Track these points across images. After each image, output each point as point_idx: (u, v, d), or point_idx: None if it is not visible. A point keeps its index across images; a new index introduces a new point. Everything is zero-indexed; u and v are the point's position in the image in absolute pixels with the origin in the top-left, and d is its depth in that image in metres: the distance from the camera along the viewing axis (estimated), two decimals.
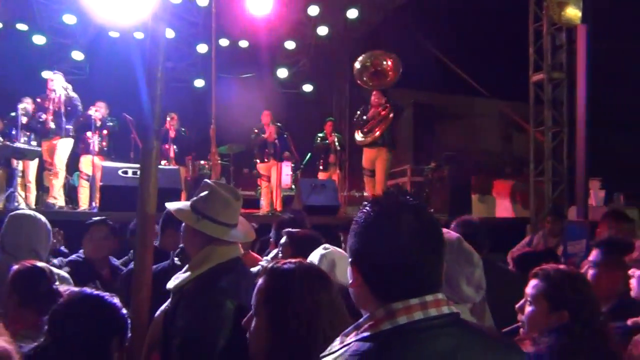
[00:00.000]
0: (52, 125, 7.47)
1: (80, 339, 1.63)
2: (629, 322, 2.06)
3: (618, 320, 2.15)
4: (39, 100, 7.64)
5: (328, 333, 1.48)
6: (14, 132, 7.47)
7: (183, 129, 8.86)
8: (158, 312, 2.35)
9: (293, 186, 9.68)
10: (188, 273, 2.12)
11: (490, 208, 10.05)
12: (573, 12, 7.55)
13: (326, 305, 1.53)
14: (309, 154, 10.27)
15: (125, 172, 6.39)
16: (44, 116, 7.47)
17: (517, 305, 2.03)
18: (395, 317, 1.08)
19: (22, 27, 10.42)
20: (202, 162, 9.32)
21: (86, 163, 8.01)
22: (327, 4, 10.84)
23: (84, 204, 7.91)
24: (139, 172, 6.25)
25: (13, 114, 7.58)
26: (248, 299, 2.02)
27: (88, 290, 1.82)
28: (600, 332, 1.91)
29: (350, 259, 1.17)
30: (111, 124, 8.22)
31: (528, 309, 1.98)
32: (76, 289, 1.90)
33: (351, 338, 1.10)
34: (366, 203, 1.19)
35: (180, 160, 8.86)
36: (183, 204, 2.28)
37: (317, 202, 6.84)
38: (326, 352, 1.13)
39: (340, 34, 11.91)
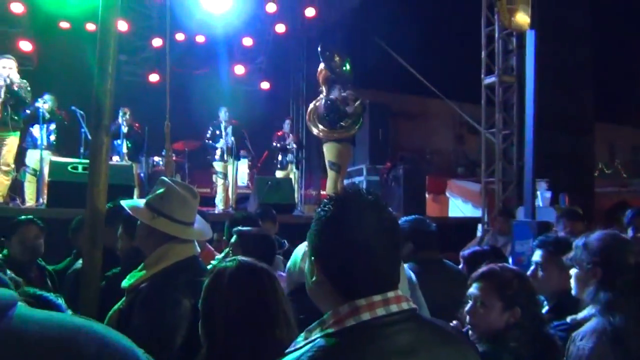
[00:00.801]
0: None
1: None
2: (569, 319, 2.15)
3: (559, 318, 2.25)
4: None
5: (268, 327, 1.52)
6: None
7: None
8: (112, 312, 2.30)
9: (249, 184, 9.63)
10: (144, 272, 2.08)
11: (443, 207, 10.27)
12: (522, 18, 7.81)
13: (265, 299, 1.58)
14: (266, 152, 10.25)
15: (75, 168, 6.19)
16: None
17: (466, 309, 2.06)
18: (359, 313, 1.10)
19: None
20: (156, 158, 9.15)
21: (33, 158, 7.72)
22: (284, 1, 10.82)
23: (30, 200, 7.62)
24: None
25: None
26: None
27: (31, 291, 1.76)
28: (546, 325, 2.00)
29: (312, 257, 1.18)
30: (59, 117, 7.94)
31: (480, 310, 2.02)
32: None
33: (316, 334, 1.12)
34: (328, 200, 1.20)
35: (134, 157, 8.66)
36: (138, 201, 2.23)
37: (272, 201, 6.81)
38: (291, 348, 1.15)
39: (297, 32, 11.91)
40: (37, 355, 0.60)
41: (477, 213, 9.08)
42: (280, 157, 9.51)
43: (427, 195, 9.07)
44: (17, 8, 9.95)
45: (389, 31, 10.58)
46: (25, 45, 10.29)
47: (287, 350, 1.16)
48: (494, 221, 7.49)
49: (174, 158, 8.60)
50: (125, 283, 2.15)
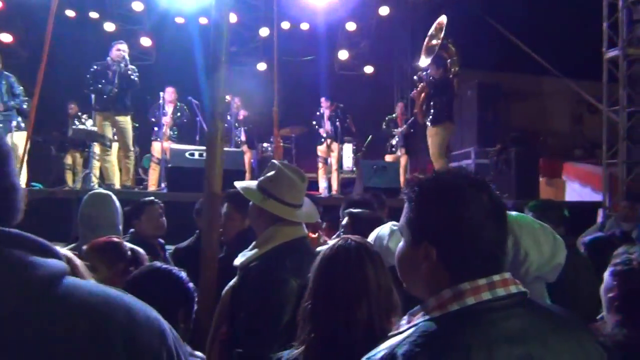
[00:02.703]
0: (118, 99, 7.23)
1: None
2: None
3: None
4: (97, 67, 7.36)
5: (374, 309, 1.53)
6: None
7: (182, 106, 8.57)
8: (226, 288, 2.43)
9: (354, 168, 9.68)
10: (254, 250, 2.18)
11: (558, 192, 9.68)
12: None
13: (371, 281, 1.58)
14: (370, 136, 10.23)
15: (192, 154, 6.60)
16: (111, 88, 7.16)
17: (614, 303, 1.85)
18: (464, 297, 1.06)
19: (93, 15, 10.87)
20: (264, 144, 9.48)
21: (157, 147, 8.32)
22: None
23: (153, 184, 8.23)
24: (205, 154, 6.46)
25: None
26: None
27: (158, 263, 1.92)
28: None
29: (422, 239, 1.14)
30: (180, 112, 8.43)
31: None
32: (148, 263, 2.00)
33: (418, 318, 1.10)
34: (431, 179, 1.18)
35: (251, 143, 9.02)
36: (250, 183, 2.34)
37: (377, 184, 6.81)
38: (394, 331, 1.14)
39: (401, 14, 11.70)
40: (78, 316, 0.74)
41: (596, 197, 8.46)
42: (392, 141, 9.45)
43: (540, 179, 8.59)
44: (137, 6, 10.72)
45: (497, 7, 10.09)
46: (145, 41, 11.07)
47: (390, 333, 1.15)
48: (616, 206, 6.95)
49: (281, 144, 8.86)
50: (237, 261, 2.26)
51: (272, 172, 2.24)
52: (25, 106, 7.22)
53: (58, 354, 0.71)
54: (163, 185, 7.92)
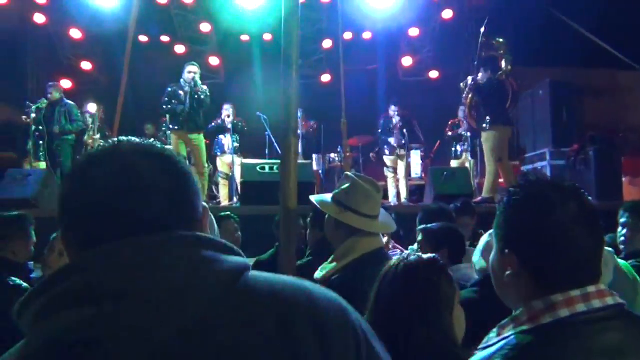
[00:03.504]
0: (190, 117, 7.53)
1: None
2: None
3: None
4: (171, 89, 7.63)
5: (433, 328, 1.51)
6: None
7: (239, 120, 8.66)
8: None
9: (423, 175, 9.57)
10: (334, 264, 2.20)
11: None
12: None
13: (433, 300, 1.57)
14: (438, 142, 10.08)
15: (263, 168, 6.74)
16: (182, 108, 7.47)
17: None
18: (556, 309, 1.04)
19: (165, 38, 11.38)
20: (332, 155, 9.54)
21: (224, 163, 8.55)
22: None
23: (224, 200, 8.47)
24: (275, 168, 6.59)
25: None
26: None
27: None
28: None
29: (505, 248, 1.14)
30: (240, 124, 8.60)
31: None
32: None
33: (509, 331, 1.08)
34: (519, 187, 1.16)
35: (307, 154, 9.12)
36: (325, 196, 2.36)
37: (449, 191, 6.69)
38: (483, 344, 1.13)
39: (464, 16, 11.49)
40: (267, 304, 0.78)
41: None
42: (455, 146, 9.27)
43: (623, 179, 8.15)
44: (205, 28, 11.13)
45: (565, 0, 9.71)
46: (214, 60, 11.46)
47: (479, 347, 1.14)
48: None
49: (349, 154, 8.88)
50: (317, 274, 2.29)
51: (347, 184, 2.26)
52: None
53: (251, 346, 0.75)
54: (235, 199, 8.14)
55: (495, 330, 1.13)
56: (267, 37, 11.28)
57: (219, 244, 0.81)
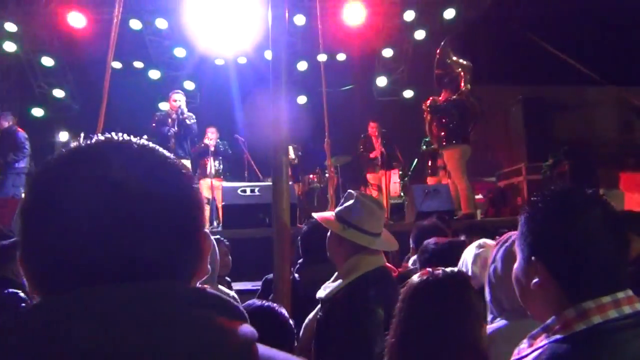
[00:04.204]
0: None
1: None
2: None
3: None
4: (158, 116, 7.77)
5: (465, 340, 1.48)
6: None
7: (224, 143, 8.73)
8: (308, 320, 2.42)
9: (402, 193, 9.60)
10: (338, 282, 2.17)
11: (618, 203, 9.33)
12: None
13: (463, 313, 1.54)
14: (416, 160, 10.16)
15: (244, 191, 6.68)
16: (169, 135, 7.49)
17: None
18: (589, 316, 1.04)
19: (138, 64, 11.28)
20: (310, 176, 9.52)
21: (205, 186, 8.47)
22: (422, 7, 10.72)
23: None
24: (256, 190, 6.53)
25: None
26: (394, 303, 2.03)
27: (258, 301, 1.91)
28: None
29: (534, 257, 1.14)
30: (222, 148, 8.58)
31: None
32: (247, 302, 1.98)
33: (542, 341, 1.07)
34: (542, 198, 1.16)
35: (296, 177, 9.10)
36: (328, 213, 2.34)
37: (431, 208, 6.72)
38: (515, 356, 1.11)
39: (437, 36, 11.71)
40: None
41: None
42: (430, 163, 9.36)
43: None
44: (179, 52, 11.09)
45: (535, 20, 10.00)
46: (189, 85, 11.40)
47: (513, 358, 1.13)
48: None
49: (335, 174, 8.89)
50: (320, 293, 2.25)
51: (351, 202, 2.24)
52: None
53: None
54: (215, 223, 8.03)
55: (525, 341, 1.12)
56: (242, 60, 11.30)
57: (225, 305, 0.65)
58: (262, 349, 0.66)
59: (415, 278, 1.66)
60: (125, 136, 0.72)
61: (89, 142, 0.70)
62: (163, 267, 0.65)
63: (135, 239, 0.63)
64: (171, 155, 0.73)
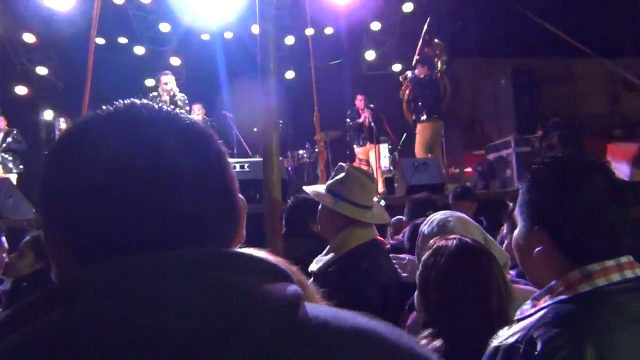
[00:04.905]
0: None
1: None
2: None
3: None
4: (153, 96, 7.64)
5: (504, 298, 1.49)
6: None
7: (210, 119, 8.68)
8: None
9: (391, 167, 9.62)
10: (330, 255, 2.17)
11: None
12: None
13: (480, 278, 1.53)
14: (404, 134, 10.15)
15: (234, 167, 6.63)
16: None
17: None
18: (593, 278, 1.06)
19: (122, 40, 11.09)
20: (300, 151, 9.50)
21: None
22: None
23: None
24: (246, 166, 6.49)
25: None
26: (389, 278, 2.03)
27: None
28: None
29: (534, 224, 1.15)
30: (212, 124, 8.50)
31: None
32: None
33: (545, 301, 1.10)
34: (543, 165, 1.17)
35: (282, 152, 9.04)
36: (319, 187, 2.33)
37: (421, 182, 6.74)
38: (519, 315, 1.14)
39: (425, 8, 11.61)
40: (323, 352, 0.58)
41: None
42: None
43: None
44: (164, 27, 10.91)
45: None
46: (175, 61, 11.24)
47: (516, 317, 1.16)
48: None
49: (324, 148, 8.87)
50: (313, 267, 2.25)
51: (342, 175, 2.22)
52: None
53: None
54: None
55: (528, 302, 1.15)
56: (228, 35, 11.15)
57: (262, 265, 0.61)
58: (310, 307, 0.61)
59: (443, 242, 1.59)
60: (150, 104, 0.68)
61: (116, 104, 0.67)
62: (204, 231, 0.62)
63: (174, 198, 0.60)
64: (193, 120, 0.69)
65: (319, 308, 0.63)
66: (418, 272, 1.61)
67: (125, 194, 0.58)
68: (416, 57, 8.32)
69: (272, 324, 0.54)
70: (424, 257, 1.60)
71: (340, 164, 2.32)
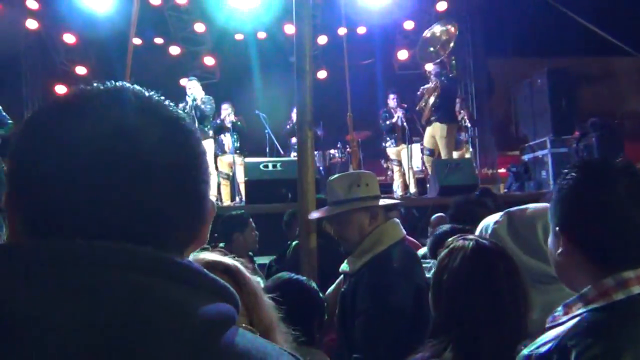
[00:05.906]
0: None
1: (287, 322, 1.66)
2: None
3: None
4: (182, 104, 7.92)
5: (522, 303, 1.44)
6: None
7: (238, 118, 8.67)
8: (329, 294, 2.44)
9: (423, 168, 9.54)
10: (362, 256, 2.18)
11: None
12: None
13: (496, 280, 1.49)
14: None
15: (266, 166, 6.70)
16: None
17: None
18: (629, 286, 1.03)
19: (158, 40, 11.28)
20: (331, 151, 9.50)
21: (224, 163, 8.50)
22: None
23: (226, 200, 8.41)
24: (279, 165, 6.56)
25: None
26: (421, 280, 2.03)
27: (287, 275, 1.90)
28: None
29: (559, 228, 1.14)
30: (239, 123, 8.53)
31: None
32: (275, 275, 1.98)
33: (579, 308, 1.07)
34: (572, 167, 1.15)
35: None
36: (321, 210, 2.43)
37: (453, 182, 6.67)
38: (550, 323, 1.12)
39: (459, 6, 11.47)
40: None
41: None
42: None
43: None
44: (199, 28, 11.05)
45: None
46: (209, 60, 11.38)
47: (547, 325, 1.13)
48: None
49: (347, 150, 8.87)
50: (344, 267, 2.26)
51: (329, 187, 2.33)
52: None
53: None
54: (237, 199, 8.09)
55: (560, 309, 1.12)
56: (262, 35, 11.23)
57: (200, 279, 0.58)
58: (241, 335, 0.59)
59: (460, 243, 1.52)
60: (136, 86, 0.65)
61: (108, 84, 0.66)
62: (163, 228, 0.59)
63: (139, 190, 0.58)
64: (182, 115, 0.67)
65: (246, 336, 0.60)
66: (433, 271, 1.56)
67: (86, 177, 0.56)
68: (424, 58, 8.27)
69: (183, 344, 0.51)
70: (440, 256, 1.53)
71: (328, 179, 2.38)
